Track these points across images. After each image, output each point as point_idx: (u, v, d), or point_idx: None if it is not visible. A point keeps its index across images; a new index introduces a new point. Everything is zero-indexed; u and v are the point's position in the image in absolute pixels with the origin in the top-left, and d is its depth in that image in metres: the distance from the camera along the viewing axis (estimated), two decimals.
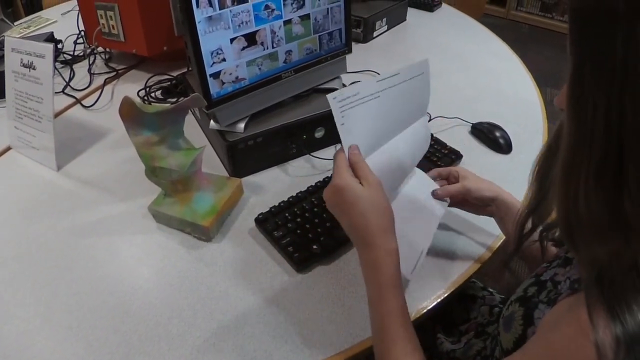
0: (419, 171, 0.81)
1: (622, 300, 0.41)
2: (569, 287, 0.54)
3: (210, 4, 0.81)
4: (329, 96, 0.60)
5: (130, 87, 1.28)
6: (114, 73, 1.34)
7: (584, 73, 0.41)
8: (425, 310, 0.72)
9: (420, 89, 0.73)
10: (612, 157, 0.41)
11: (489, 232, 0.83)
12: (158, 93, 1.24)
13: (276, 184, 0.95)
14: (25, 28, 1.62)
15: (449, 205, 0.80)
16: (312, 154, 1.00)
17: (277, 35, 0.93)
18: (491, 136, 1.04)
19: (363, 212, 0.59)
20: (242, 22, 0.86)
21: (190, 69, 1.19)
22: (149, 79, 1.28)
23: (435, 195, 0.79)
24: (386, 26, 1.57)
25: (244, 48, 0.89)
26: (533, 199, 0.61)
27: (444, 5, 1.77)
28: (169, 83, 1.26)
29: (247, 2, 0.85)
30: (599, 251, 0.44)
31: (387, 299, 0.59)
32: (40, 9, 1.91)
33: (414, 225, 0.74)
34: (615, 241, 0.43)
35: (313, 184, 0.89)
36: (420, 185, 0.79)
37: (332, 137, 1.02)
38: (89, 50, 1.39)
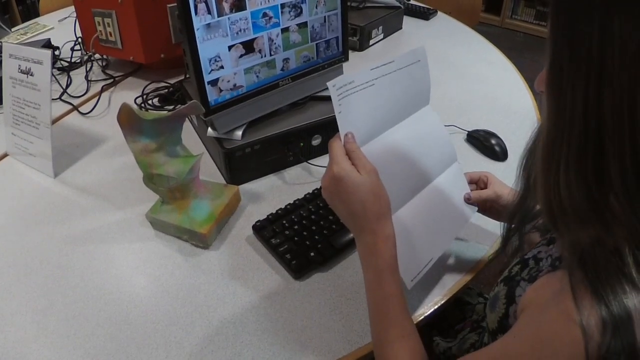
0: (456, 167, 0.78)
1: (606, 282, 0.42)
2: (550, 265, 0.54)
3: (209, 12, 0.81)
4: (329, 83, 0.59)
5: (128, 94, 1.28)
6: (111, 80, 1.34)
7: (562, 59, 0.42)
8: (422, 317, 0.72)
9: (419, 76, 0.72)
10: (591, 143, 0.41)
11: (486, 238, 0.84)
12: (155, 100, 1.24)
13: (273, 192, 0.95)
14: (22, 34, 1.62)
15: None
16: (309, 161, 1.00)
17: (275, 43, 0.93)
18: (487, 144, 1.05)
19: (361, 200, 0.59)
20: (240, 30, 0.87)
21: (188, 76, 1.20)
22: (146, 86, 1.29)
23: (467, 200, 0.77)
24: (382, 34, 1.58)
25: (241, 55, 0.89)
26: (520, 193, 0.61)
27: (439, 13, 1.78)
28: (166, 90, 1.26)
29: (245, 9, 0.86)
30: (581, 235, 0.45)
31: (384, 283, 0.59)
32: (37, 15, 1.91)
33: (433, 227, 0.72)
34: (596, 226, 0.44)
35: (310, 192, 0.90)
36: (454, 182, 0.77)
37: None
38: (86, 57, 1.39)
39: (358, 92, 0.63)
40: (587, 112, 0.41)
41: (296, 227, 0.82)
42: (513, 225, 0.65)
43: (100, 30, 1.28)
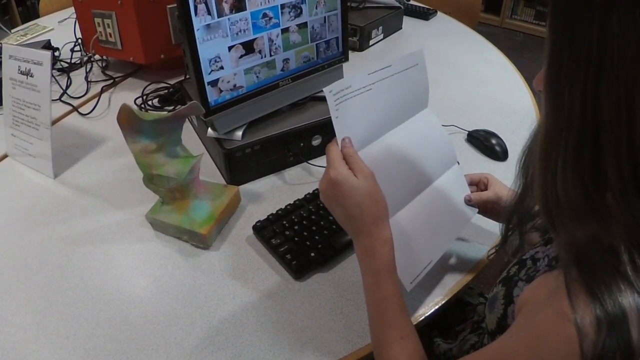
0: (456, 169, 0.78)
1: (601, 281, 0.42)
2: (546, 265, 0.54)
3: (209, 12, 0.81)
4: (326, 89, 0.60)
5: (127, 95, 1.28)
6: (111, 81, 1.34)
7: (561, 58, 0.42)
8: (422, 317, 0.72)
9: (417, 80, 0.72)
10: (588, 142, 0.42)
11: (486, 238, 0.84)
12: (155, 101, 1.24)
13: (273, 192, 0.95)
14: (22, 35, 1.63)
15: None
16: (309, 161, 1.00)
17: (275, 44, 0.93)
18: (487, 144, 1.05)
19: (359, 204, 0.60)
20: (240, 30, 0.87)
21: (188, 76, 1.20)
22: (146, 86, 1.29)
23: (468, 201, 0.77)
24: (382, 34, 1.58)
25: (241, 56, 0.89)
26: (519, 192, 0.61)
27: (439, 13, 1.78)
28: (166, 91, 1.26)
29: (245, 10, 0.86)
30: (577, 233, 0.45)
31: (382, 285, 0.60)
32: (37, 16, 1.91)
33: (432, 229, 0.72)
34: (593, 224, 0.44)
35: (310, 192, 0.90)
36: (454, 184, 0.77)
37: None
38: (85, 58, 1.39)
39: (355, 96, 0.63)
40: (584, 111, 0.41)
41: (296, 227, 0.82)
42: (512, 224, 0.65)
43: (100, 31, 1.28)
